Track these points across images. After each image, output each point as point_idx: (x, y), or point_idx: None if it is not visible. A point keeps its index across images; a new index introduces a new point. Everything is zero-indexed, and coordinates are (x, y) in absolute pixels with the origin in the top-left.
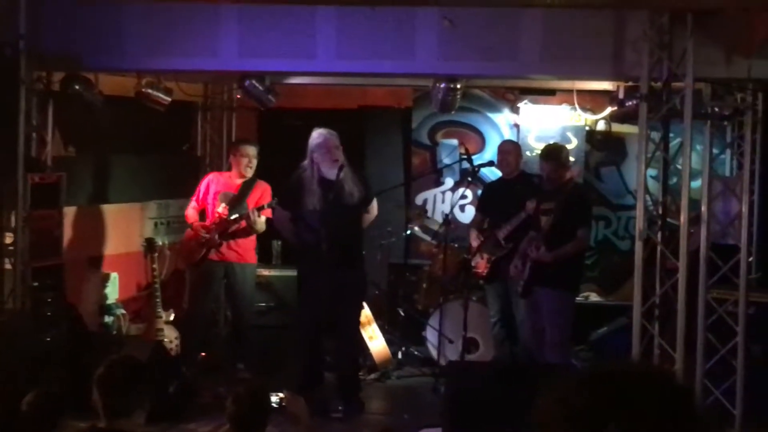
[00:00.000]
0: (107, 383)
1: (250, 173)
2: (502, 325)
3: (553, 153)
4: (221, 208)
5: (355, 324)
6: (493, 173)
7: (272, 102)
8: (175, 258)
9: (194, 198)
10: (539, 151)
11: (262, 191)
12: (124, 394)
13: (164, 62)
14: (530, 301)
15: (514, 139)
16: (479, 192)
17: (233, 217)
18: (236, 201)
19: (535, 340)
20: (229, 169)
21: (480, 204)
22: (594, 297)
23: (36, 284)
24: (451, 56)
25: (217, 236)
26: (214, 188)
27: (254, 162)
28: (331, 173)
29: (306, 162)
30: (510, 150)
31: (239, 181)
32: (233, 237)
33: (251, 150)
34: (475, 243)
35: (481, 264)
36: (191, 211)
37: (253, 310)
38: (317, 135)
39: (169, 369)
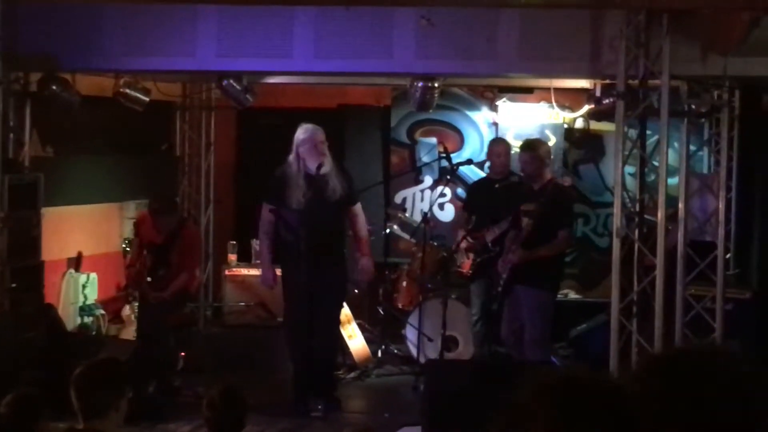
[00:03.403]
0: (84, 384)
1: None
2: (484, 322)
3: (532, 145)
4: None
5: (335, 322)
6: (471, 171)
7: (250, 101)
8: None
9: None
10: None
11: (191, 240)
12: (101, 394)
13: (142, 62)
14: (510, 300)
15: (493, 137)
16: (458, 190)
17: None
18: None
19: (514, 337)
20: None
21: (466, 203)
22: (573, 294)
23: (14, 285)
24: (428, 55)
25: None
26: (144, 236)
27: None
28: (315, 168)
29: (291, 157)
30: (503, 152)
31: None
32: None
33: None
34: (463, 244)
35: (466, 264)
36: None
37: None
38: (303, 130)
39: (149, 369)
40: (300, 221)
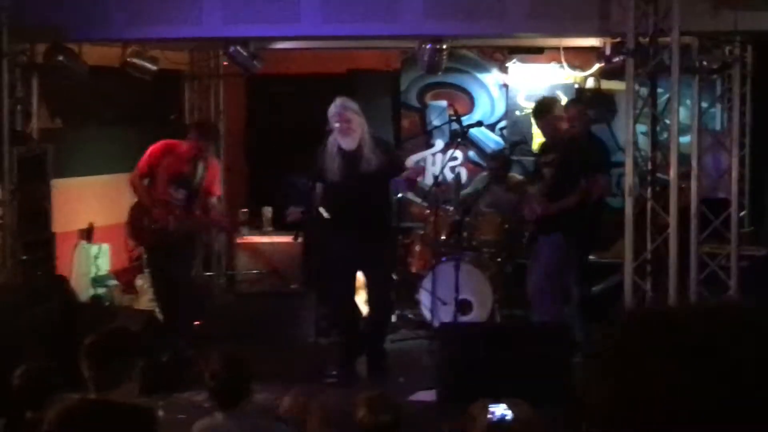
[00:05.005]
0: (95, 354)
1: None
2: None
3: (545, 107)
4: (178, 193)
5: (385, 291)
6: (482, 133)
7: (258, 68)
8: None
9: (143, 169)
10: (528, 111)
11: (216, 169)
12: (112, 364)
13: (148, 31)
14: (533, 253)
15: (503, 99)
16: (470, 153)
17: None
18: (192, 185)
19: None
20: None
21: None
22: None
23: (26, 258)
24: (436, 16)
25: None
26: (168, 166)
27: (202, 153)
28: (346, 143)
29: (330, 130)
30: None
31: (189, 162)
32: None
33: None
34: None
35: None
36: (145, 187)
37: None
38: (332, 105)
39: (163, 339)
40: (337, 194)
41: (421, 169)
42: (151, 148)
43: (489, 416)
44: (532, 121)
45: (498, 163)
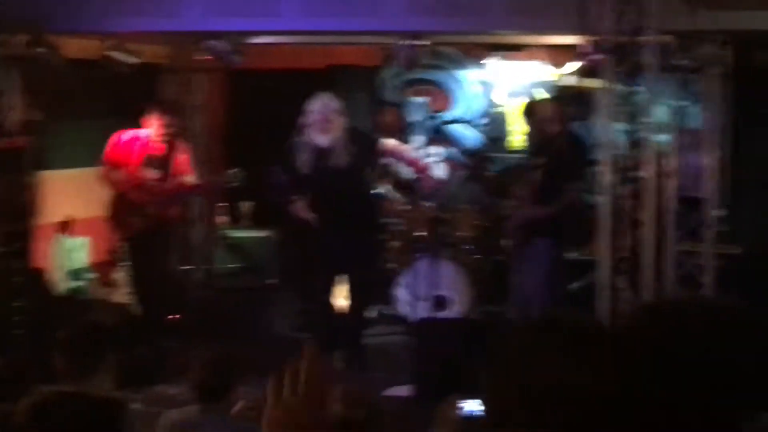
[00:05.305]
0: (69, 347)
1: (165, 138)
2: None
3: (535, 108)
4: (152, 174)
5: (362, 285)
6: (462, 130)
7: (237, 62)
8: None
9: (109, 161)
10: (506, 108)
11: (185, 152)
12: (86, 357)
13: (125, 23)
14: (522, 256)
15: (482, 95)
16: (449, 150)
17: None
18: (165, 165)
19: (519, 292)
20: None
21: None
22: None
23: (2, 250)
24: (417, 12)
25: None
26: (136, 150)
27: (168, 129)
28: (320, 140)
29: (302, 123)
30: None
31: (159, 143)
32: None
33: (161, 119)
34: None
35: None
36: (118, 176)
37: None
38: (314, 101)
39: (139, 332)
40: (307, 188)
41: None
42: (111, 140)
43: (459, 412)
44: (508, 118)
45: (475, 161)
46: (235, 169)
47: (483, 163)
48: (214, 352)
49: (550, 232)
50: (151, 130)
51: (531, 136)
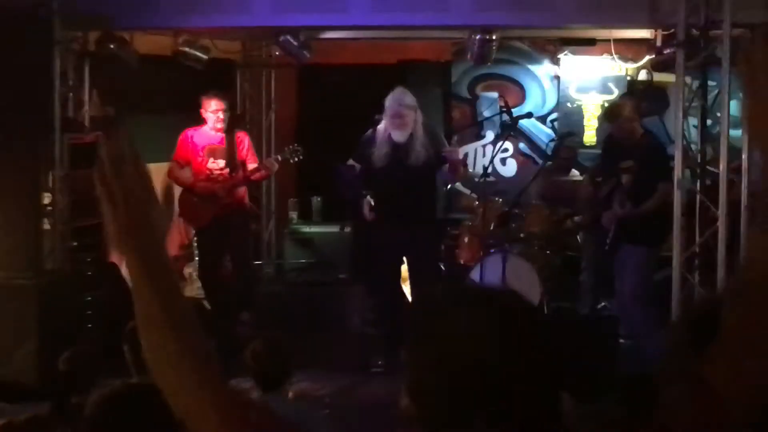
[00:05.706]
0: (135, 339)
1: (222, 126)
2: (590, 273)
3: (615, 111)
4: (217, 164)
5: (429, 278)
6: (533, 125)
7: (308, 57)
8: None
9: (178, 158)
10: (580, 103)
11: (245, 139)
12: None
13: (197, 19)
14: (618, 258)
15: (555, 90)
16: (521, 145)
17: (252, 167)
18: (228, 154)
19: (622, 296)
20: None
21: None
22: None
23: (75, 244)
24: (486, 7)
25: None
26: (200, 144)
27: (224, 115)
28: (397, 135)
29: (382, 117)
30: None
31: (218, 134)
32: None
33: (216, 104)
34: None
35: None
36: (184, 173)
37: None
38: (389, 96)
39: (209, 326)
40: (381, 182)
41: (455, 152)
42: (181, 137)
43: None
44: (584, 113)
45: (566, 154)
46: (293, 145)
47: (571, 158)
48: (265, 340)
49: (647, 234)
50: (210, 118)
51: (613, 137)
